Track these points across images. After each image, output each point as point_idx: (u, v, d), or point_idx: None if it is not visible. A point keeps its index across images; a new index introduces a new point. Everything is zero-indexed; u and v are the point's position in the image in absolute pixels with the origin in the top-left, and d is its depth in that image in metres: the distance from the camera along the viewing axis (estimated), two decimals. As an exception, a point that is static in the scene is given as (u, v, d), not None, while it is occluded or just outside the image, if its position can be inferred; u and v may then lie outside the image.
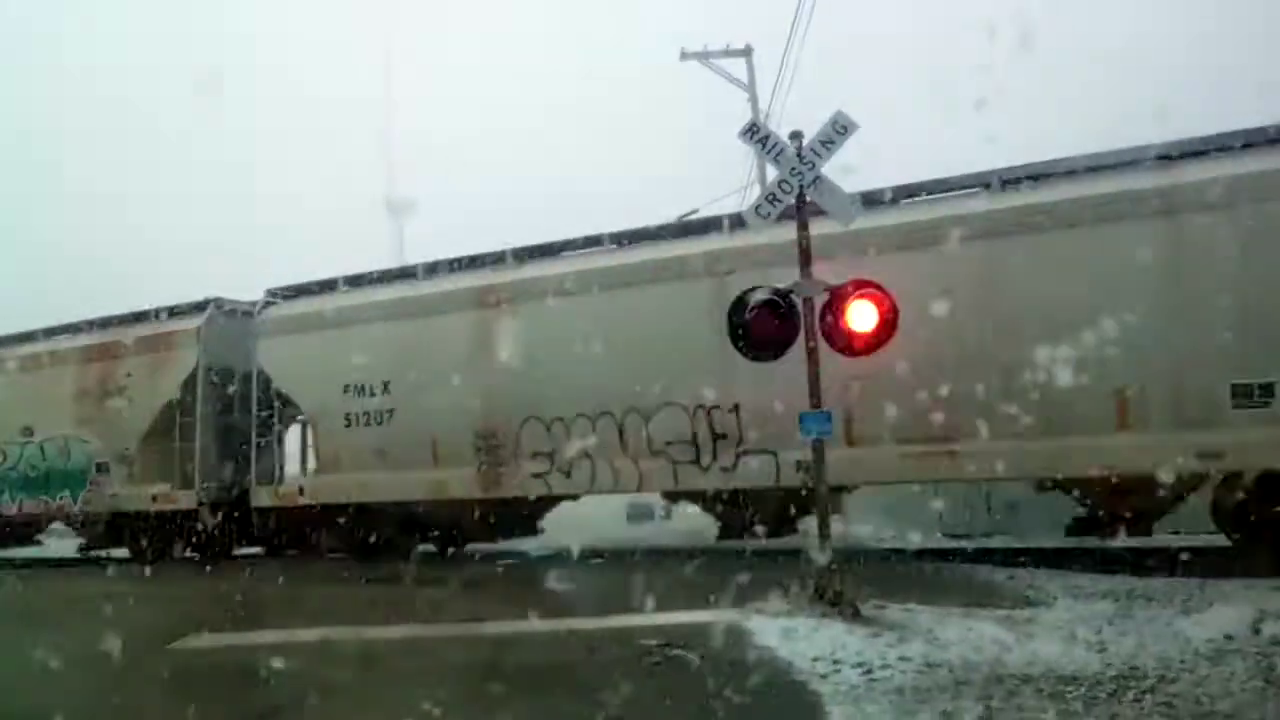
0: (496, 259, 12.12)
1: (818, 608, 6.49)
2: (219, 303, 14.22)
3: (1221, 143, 8.71)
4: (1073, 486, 9.54)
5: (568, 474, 11.11)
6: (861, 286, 6.89)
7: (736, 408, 10.09)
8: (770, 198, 7.27)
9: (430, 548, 13.00)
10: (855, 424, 9.55)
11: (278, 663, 5.78)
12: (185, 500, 13.46)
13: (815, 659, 5.30)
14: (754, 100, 19.78)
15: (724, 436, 10.23)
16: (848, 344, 7.02)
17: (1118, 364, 8.35)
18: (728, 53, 19.99)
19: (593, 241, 11.63)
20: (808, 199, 7.12)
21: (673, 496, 11.96)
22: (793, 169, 7.08)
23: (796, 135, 7.16)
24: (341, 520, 12.78)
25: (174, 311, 14.51)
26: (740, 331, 7.25)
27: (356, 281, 13.21)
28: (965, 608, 6.60)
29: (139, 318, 14.80)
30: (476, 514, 12.21)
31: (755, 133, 7.53)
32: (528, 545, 13.00)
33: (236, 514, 13.61)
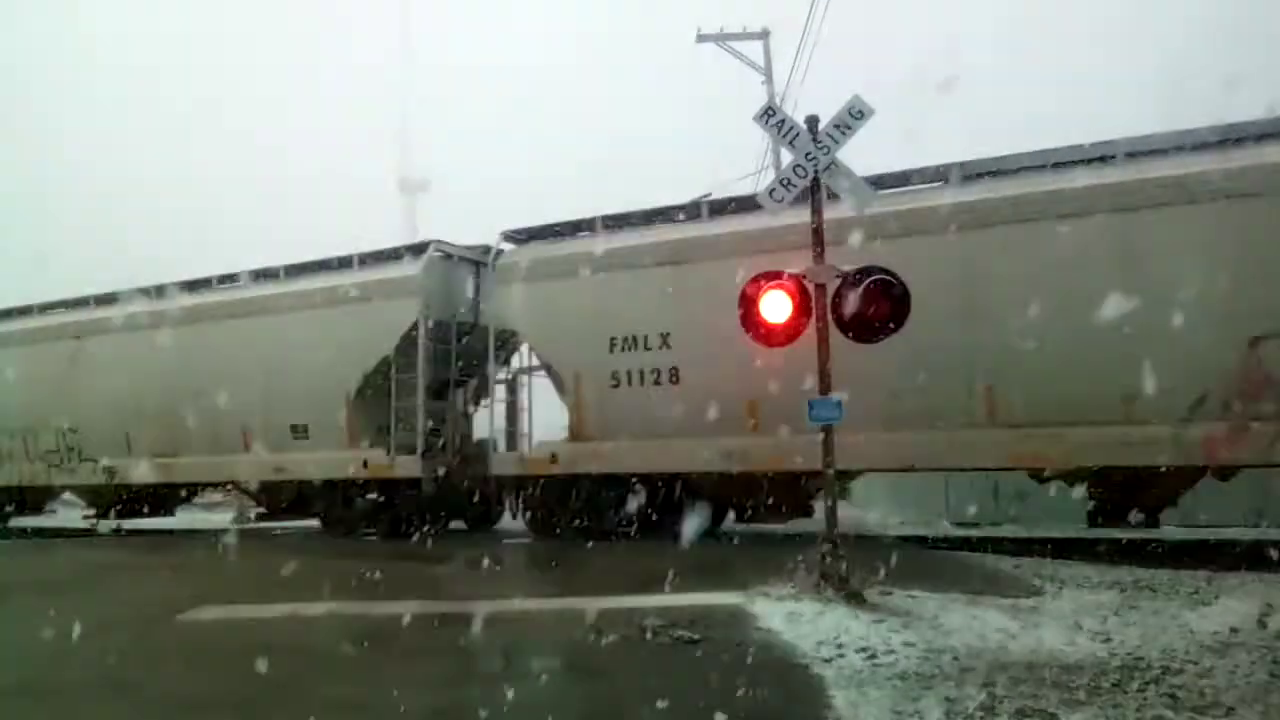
0: (23, 311, 17.18)
1: (823, 592, 6.51)
2: None
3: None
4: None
5: None
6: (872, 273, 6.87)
7: (78, 429, 15.65)
8: (785, 182, 7.22)
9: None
10: (191, 441, 14.52)
11: None
12: None
13: (819, 643, 5.32)
14: (770, 83, 19.67)
15: (73, 449, 15.77)
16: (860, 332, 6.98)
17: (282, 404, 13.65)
18: (745, 35, 19.85)
19: (32, 308, 17.01)
20: (822, 183, 7.09)
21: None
22: (807, 154, 7.05)
23: (812, 120, 7.12)
24: None
25: None
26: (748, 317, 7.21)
27: None
28: (970, 595, 6.60)
29: None
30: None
31: (771, 116, 7.48)
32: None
33: None
